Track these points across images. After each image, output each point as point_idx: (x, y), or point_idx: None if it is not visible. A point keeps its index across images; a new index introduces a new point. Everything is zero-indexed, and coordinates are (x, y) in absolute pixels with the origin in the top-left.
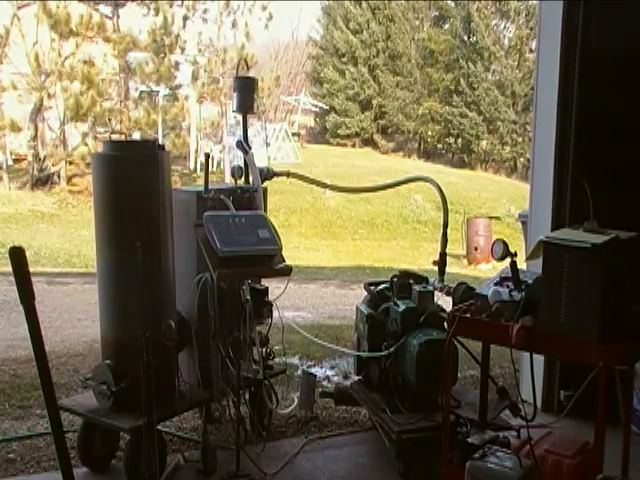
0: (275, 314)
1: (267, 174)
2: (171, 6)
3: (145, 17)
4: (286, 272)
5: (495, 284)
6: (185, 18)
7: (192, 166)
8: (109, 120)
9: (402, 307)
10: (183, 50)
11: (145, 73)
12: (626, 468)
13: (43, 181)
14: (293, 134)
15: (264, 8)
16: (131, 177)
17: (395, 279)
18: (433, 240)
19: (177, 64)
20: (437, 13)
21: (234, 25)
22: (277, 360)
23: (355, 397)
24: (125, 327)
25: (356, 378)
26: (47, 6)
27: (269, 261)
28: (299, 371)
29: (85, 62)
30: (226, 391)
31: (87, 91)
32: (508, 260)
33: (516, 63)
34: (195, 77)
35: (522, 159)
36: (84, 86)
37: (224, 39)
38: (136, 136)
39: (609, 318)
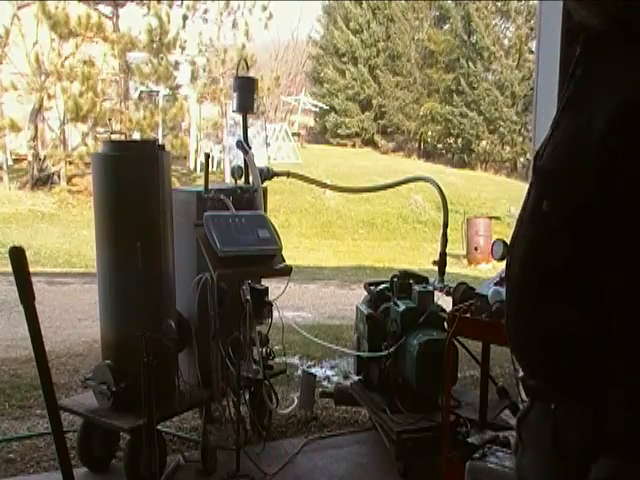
0: (275, 314)
1: (267, 174)
2: (171, 6)
3: (145, 17)
4: (286, 272)
5: (495, 284)
6: (185, 18)
7: (192, 166)
8: (109, 120)
9: (402, 307)
10: (183, 50)
11: (144, 73)
12: None
13: (43, 181)
14: (293, 134)
15: (264, 8)
16: (131, 177)
17: (395, 279)
18: (433, 240)
19: (177, 64)
20: (437, 13)
21: (234, 25)
22: (277, 360)
23: (355, 397)
24: (125, 327)
25: (356, 378)
26: (46, 7)
27: (269, 261)
28: (299, 371)
29: (85, 62)
30: (226, 391)
31: (87, 91)
32: None
33: (516, 63)
34: (195, 77)
35: (522, 159)
36: (84, 86)
37: (224, 39)
38: (136, 136)
39: None
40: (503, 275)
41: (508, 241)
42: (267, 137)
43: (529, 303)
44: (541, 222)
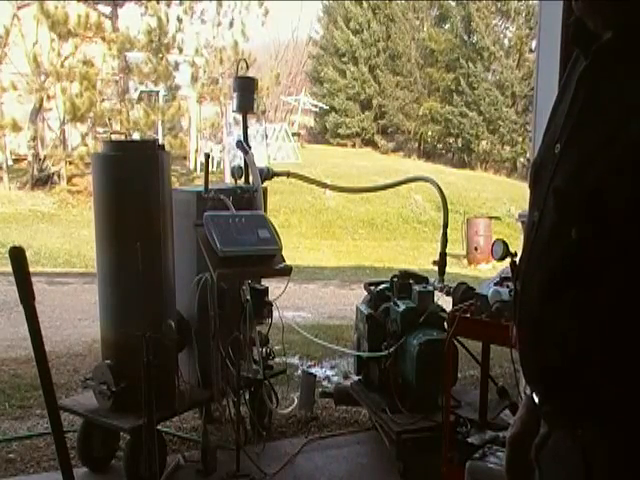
0: (275, 314)
1: (267, 174)
2: (169, 6)
3: (143, 17)
4: (286, 272)
5: (495, 284)
6: (182, 19)
7: (192, 166)
8: (109, 120)
9: (402, 307)
10: (181, 51)
11: (143, 73)
12: None
13: (43, 181)
14: (293, 134)
15: (260, 6)
16: (131, 177)
17: (395, 279)
18: (433, 240)
19: (177, 64)
20: (437, 13)
21: (231, 25)
22: (277, 360)
23: (355, 397)
24: (125, 327)
25: (356, 378)
26: (45, 7)
27: (269, 261)
28: (299, 371)
29: (84, 62)
30: (226, 391)
31: (86, 91)
32: (508, 260)
33: (516, 63)
34: (195, 77)
35: (522, 159)
36: (83, 86)
37: (222, 39)
38: (136, 136)
39: None
40: (503, 275)
41: (507, 241)
42: (267, 137)
43: (550, 334)
44: (566, 249)
